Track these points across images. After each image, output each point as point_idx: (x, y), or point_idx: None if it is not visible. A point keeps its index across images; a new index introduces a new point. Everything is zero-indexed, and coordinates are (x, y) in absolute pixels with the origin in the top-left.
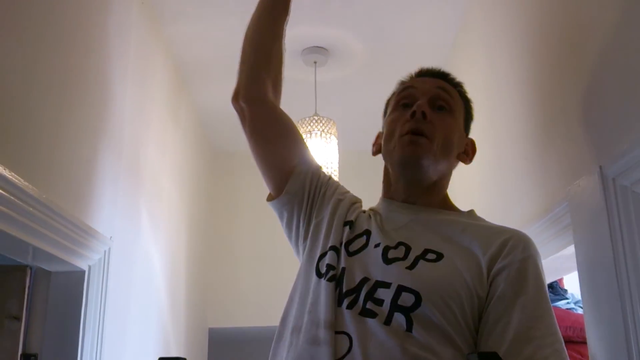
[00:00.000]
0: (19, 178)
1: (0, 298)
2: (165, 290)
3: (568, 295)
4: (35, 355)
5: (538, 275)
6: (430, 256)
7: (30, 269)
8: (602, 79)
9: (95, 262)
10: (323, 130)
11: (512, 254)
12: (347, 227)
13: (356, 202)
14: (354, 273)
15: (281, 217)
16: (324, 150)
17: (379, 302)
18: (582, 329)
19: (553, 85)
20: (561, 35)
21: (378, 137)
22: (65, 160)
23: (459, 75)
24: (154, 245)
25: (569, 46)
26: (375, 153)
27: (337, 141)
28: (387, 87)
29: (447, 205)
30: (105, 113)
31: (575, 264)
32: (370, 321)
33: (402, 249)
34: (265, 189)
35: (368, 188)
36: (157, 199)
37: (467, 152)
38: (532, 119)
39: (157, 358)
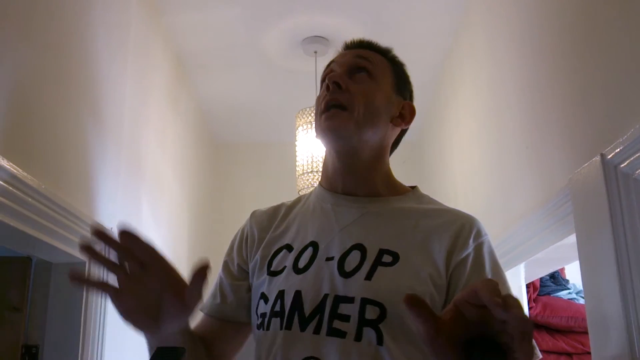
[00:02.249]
0: (19, 169)
1: (1, 289)
2: None
3: (570, 286)
4: (36, 347)
5: (493, 258)
6: (387, 258)
7: (31, 260)
8: (604, 67)
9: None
10: None
11: (466, 244)
12: (285, 251)
13: (264, 216)
14: (312, 291)
15: None
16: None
17: (346, 319)
18: (583, 319)
19: (554, 72)
20: (563, 22)
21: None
22: (66, 152)
23: (460, 63)
24: (155, 236)
25: (571, 33)
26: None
27: None
28: None
29: (392, 187)
30: (105, 104)
31: (577, 254)
32: (340, 342)
33: (357, 253)
34: (265, 179)
35: None
36: (158, 190)
37: (404, 116)
38: (534, 106)
39: (156, 347)
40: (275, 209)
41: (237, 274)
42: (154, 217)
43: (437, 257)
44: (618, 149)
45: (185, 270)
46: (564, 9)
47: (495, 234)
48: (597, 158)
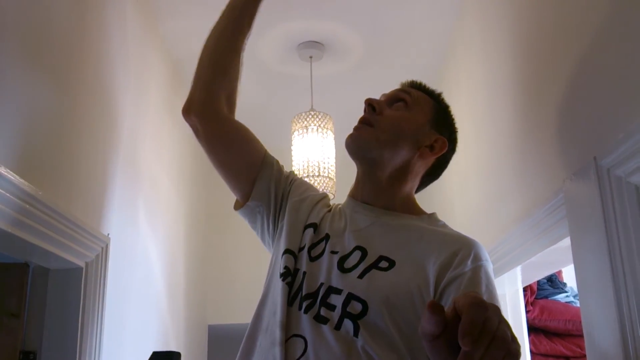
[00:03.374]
0: (16, 175)
1: None
2: (164, 287)
3: (567, 289)
4: (34, 352)
5: (489, 282)
6: (383, 264)
7: (29, 266)
8: (597, 71)
9: (92, 259)
10: (319, 126)
11: (463, 263)
12: (311, 230)
13: (320, 200)
14: (314, 278)
15: (251, 223)
16: (320, 146)
17: (332, 308)
18: (581, 322)
19: (549, 76)
20: (556, 24)
21: None
22: (62, 158)
23: (456, 67)
24: (152, 242)
25: (564, 35)
26: None
27: (333, 136)
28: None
29: (410, 208)
30: (102, 111)
31: (572, 257)
32: (323, 327)
33: (358, 254)
34: None
35: None
36: (155, 196)
37: (433, 147)
38: (528, 110)
39: (152, 352)
40: (325, 200)
41: (279, 189)
42: (152, 223)
43: (429, 271)
44: (611, 153)
45: (181, 281)
46: (557, 13)
47: (492, 237)
48: (591, 161)
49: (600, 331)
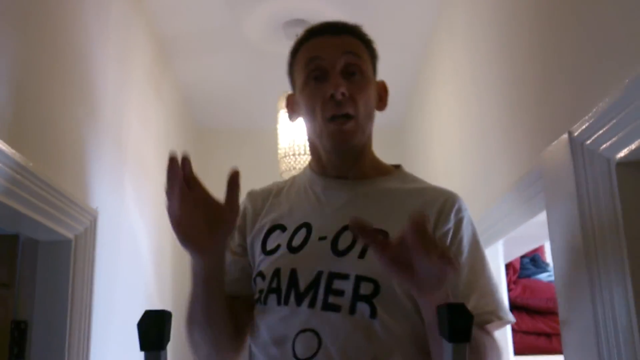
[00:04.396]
0: (7, 146)
1: None
2: (151, 260)
3: (549, 269)
4: (25, 322)
5: (472, 233)
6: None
7: (19, 237)
8: (571, 47)
9: (81, 232)
10: None
11: (448, 219)
12: (278, 231)
13: (259, 197)
14: (306, 269)
15: None
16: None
17: (340, 293)
18: None
19: (527, 54)
20: (536, 4)
21: (291, 101)
22: (50, 131)
23: (440, 47)
24: (139, 218)
25: (542, 14)
26: (293, 120)
27: None
28: None
29: (377, 167)
30: (88, 86)
31: None
32: (335, 315)
33: (349, 234)
34: (247, 164)
35: None
36: (142, 174)
37: (381, 97)
38: (508, 88)
39: (144, 310)
40: (268, 190)
41: (239, 251)
42: (139, 200)
43: None
44: (584, 126)
45: (168, 253)
46: None
47: (475, 213)
48: (565, 135)
49: (573, 304)
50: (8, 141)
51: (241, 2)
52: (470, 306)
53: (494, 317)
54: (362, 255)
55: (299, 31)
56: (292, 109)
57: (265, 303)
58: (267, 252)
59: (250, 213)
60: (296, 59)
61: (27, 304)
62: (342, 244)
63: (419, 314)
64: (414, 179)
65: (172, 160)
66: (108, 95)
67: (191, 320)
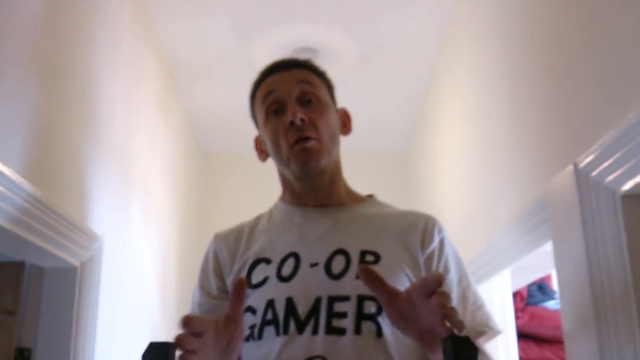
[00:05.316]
0: (16, 174)
1: None
2: (156, 289)
3: (556, 296)
4: (29, 349)
5: (454, 251)
6: (369, 258)
7: (24, 264)
8: (576, 79)
9: (87, 259)
10: None
11: (432, 238)
12: (263, 264)
13: (230, 237)
14: (304, 296)
15: None
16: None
17: (343, 315)
18: None
19: (532, 84)
20: (542, 36)
21: (258, 142)
22: (57, 158)
23: (448, 73)
24: (145, 245)
25: (548, 45)
26: (264, 159)
27: None
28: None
29: (352, 195)
30: (95, 113)
31: None
32: (341, 338)
33: (341, 257)
34: (254, 189)
35: (356, 189)
36: (148, 200)
37: (345, 123)
38: (514, 117)
39: (149, 343)
40: (238, 229)
41: (218, 294)
42: (145, 226)
43: (414, 253)
44: (589, 158)
45: (173, 282)
46: (545, 18)
47: (480, 242)
48: (570, 167)
49: (579, 330)
50: (17, 169)
51: (249, 30)
52: (465, 321)
53: (487, 328)
54: (358, 276)
55: (308, 59)
56: (260, 149)
57: (260, 337)
58: (253, 286)
59: (224, 254)
60: (255, 100)
61: (32, 331)
62: (336, 267)
63: None
64: (389, 206)
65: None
66: (115, 122)
67: None
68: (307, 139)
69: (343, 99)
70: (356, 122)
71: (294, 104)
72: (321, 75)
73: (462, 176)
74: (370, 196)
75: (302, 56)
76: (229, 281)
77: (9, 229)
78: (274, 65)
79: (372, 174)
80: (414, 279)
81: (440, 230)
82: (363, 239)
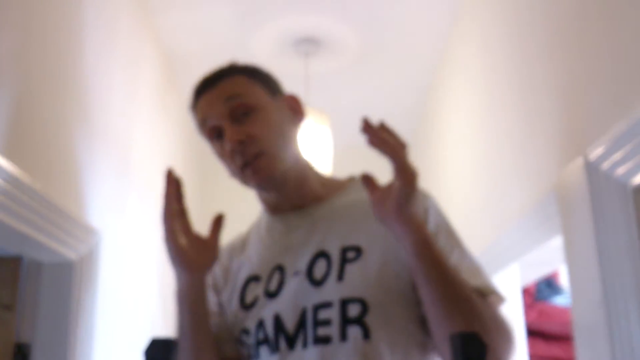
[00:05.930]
0: (13, 166)
1: None
2: (155, 283)
3: (565, 292)
4: (27, 344)
5: (440, 218)
6: (350, 255)
7: (22, 259)
8: (585, 71)
9: (85, 253)
10: (315, 122)
11: (416, 205)
12: (253, 283)
13: (223, 254)
14: (290, 310)
15: None
16: (316, 143)
17: (327, 323)
18: None
19: (541, 76)
20: (551, 22)
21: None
22: (55, 150)
23: (453, 63)
24: (144, 239)
25: (558, 34)
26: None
27: (330, 134)
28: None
29: (329, 185)
30: (93, 104)
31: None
32: (326, 348)
33: (322, 260)
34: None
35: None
36: (147, 194)
37: (295, 110)
38: (523, 108)
39: (151, 338)
40: (232, 245)
41: (218, 309)
42: (144, 221)
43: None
44: (599, 151)
45: (172, 276)
46: (551, 9)
47: (489, 234)
48: (580, 159)
49: (589, 328)
50: (13, 161)
51: (250, 20)
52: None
53: (489, 291)
54: (340, 277)
55: (309, 49)
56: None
57: (257, 357)
58: (246, 307)
59: (218, 272)
60: (197, 123)
61: (30, 326)
62: (318, 272)
63: (414, 324)
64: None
65: (171, 176)
66: (113, 114)
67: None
68: (255, 157)
69: (345, 89)
70: (360, 115)
71: (229, 127)
72: (250, 73)
73: (470, 169)
74: (351, 179)
75: (302, 46)
76: (225, 296)
77: (6, 222)
78: (201, 85)
79: (377, 167)
80: (398, 268)
81: (424, 199)
82: (343, 234)
